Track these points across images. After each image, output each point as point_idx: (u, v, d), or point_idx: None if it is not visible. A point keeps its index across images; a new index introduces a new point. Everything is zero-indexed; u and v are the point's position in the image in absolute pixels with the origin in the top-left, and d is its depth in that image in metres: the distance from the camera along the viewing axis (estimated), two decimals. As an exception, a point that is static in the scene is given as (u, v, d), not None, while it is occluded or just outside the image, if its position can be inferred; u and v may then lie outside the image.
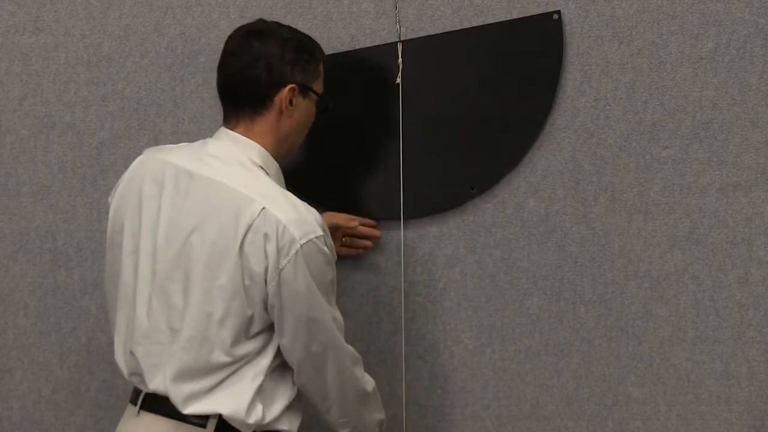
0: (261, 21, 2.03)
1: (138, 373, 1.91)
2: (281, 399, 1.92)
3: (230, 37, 1.99)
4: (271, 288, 1.84)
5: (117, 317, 1.97)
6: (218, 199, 1.86)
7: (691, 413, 2.33)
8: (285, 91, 1.93)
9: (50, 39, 2.37)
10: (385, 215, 2.31)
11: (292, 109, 1.95)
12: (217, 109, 2.32)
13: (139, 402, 1.92)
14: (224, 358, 1.86)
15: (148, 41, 2.36)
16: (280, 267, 1.83)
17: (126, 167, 2.34)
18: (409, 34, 2.32)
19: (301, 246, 1.83)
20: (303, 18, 2.34)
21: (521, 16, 2.31)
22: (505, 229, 2.34)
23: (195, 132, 2.35)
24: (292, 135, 1.99)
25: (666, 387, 2.33)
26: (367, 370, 2.02)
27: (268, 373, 1.89)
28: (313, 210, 1.89)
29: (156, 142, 2.35)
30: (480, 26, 2.32)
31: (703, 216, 2.32)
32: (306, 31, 2.30)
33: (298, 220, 1.84)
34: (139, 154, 2.34)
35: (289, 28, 2.02)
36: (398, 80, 2.30)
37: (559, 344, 2.34)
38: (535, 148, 2.33)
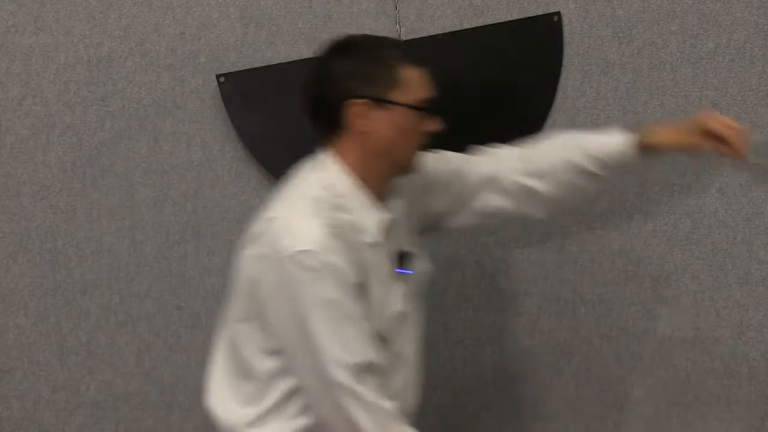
0: (349, 36, 1.82)
1: None
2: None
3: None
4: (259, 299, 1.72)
5: None
6: None
7: (691, 413, 2.33)
8: (348, 108, 1.71)
9: (50, 39, 2.37)
10: (385, 215, 2.31)
11: (370, 124, 1.72)
12: (217, 110, 2.34)
13: None
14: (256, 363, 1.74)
15: (148, 41, 2.36)
16: (259, 278, 1.69)
17: (126, 167, 2.37)
18: (409, 35, 2.32)
19: (280, 259, 1.64)
20: (303, 18, 2.33)
21: (521, 16, 2.31)
22: (505, 229, 2.34)
23: (195, 132, 2.35)
24: (385, 150, 1.75)
25: (666, 387, 2.33)
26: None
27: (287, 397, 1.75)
28: (316, 224, 1.66)
29: (156, 142, 2.35)
30: (480, 27, 2.32)
31: (703, 216, 2.32)
32: (306, 31, 2.31)
33: (290, 227, 1.67)
34: (139, 153, 2.36)
35: (372, 39, 1.83)
36: (398, 80, 2.29)
37: (559, 344, 2.34)
38: (535, 148, 2.33)
